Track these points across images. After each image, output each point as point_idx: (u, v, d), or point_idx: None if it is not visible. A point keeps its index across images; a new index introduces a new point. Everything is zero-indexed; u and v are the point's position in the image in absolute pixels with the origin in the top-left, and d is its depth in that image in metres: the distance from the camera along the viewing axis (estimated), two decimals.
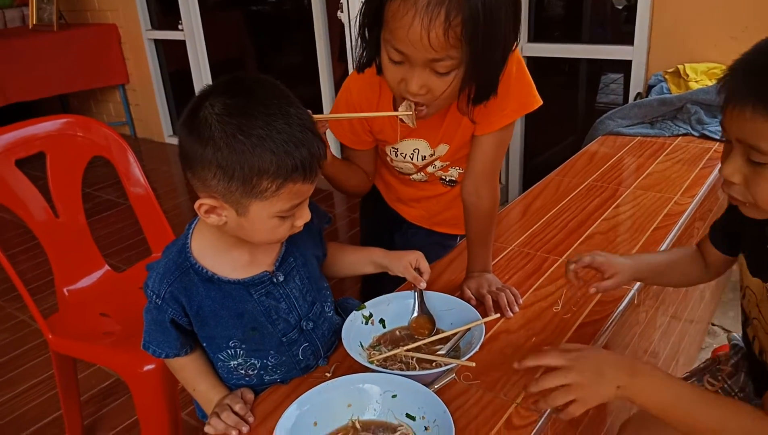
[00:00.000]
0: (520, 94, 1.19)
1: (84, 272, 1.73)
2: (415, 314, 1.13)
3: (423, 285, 1.09)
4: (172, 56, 4.46)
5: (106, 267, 1.78)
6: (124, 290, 1.74)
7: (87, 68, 4.36)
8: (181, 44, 4.21)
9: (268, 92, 0.88)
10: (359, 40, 1.09)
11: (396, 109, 1.20)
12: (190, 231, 1.00)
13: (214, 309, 0.99)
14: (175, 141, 4.64)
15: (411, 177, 1.39)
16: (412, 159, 1.31)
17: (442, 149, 1.29)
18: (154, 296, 0.97)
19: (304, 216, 0.95)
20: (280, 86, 0.91)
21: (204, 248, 0.99)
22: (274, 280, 1.01)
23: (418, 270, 1.10)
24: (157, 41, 4.45)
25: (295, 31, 4.00)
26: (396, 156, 1.32)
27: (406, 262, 1.10)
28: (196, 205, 0.91)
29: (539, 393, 0.84)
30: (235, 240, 0.97)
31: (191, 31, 4.14)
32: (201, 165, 0.87)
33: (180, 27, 4.17)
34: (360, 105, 1.24)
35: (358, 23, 1.07)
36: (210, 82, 3.99)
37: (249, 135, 0.84)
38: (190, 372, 1.05)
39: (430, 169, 1.35)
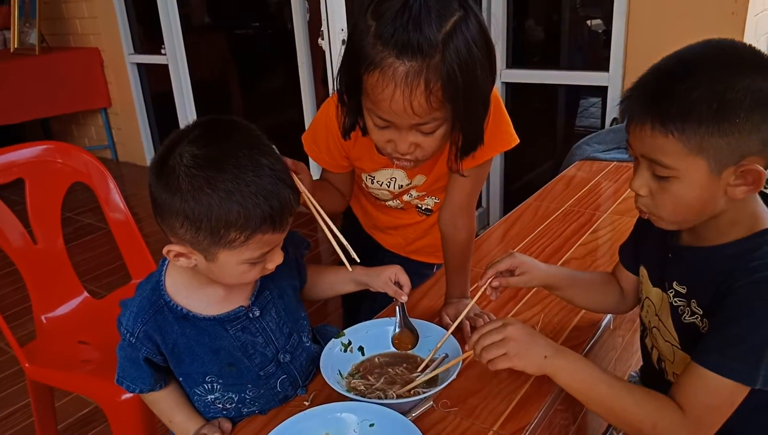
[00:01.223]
0: (498, 133, 1.19)
1: (62, 299, 1.72)
2: (398, 329, 1.14)
3: (404, 299, 1.09)
4: (155, 80, 4.47)
5: (85, 294, 1.77)
6: (103, 317, 1.72)
7: (69, 92, 4.35)
8: (164, 68, 4.22)
9: (240, 141, 0.87)
10: (339, 105, 1.10)
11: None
12: (164, 268, 1.00)
13: (190, 346, 0.98)
14: None
15: (387, 203, 1.40)
16: (388, 187, 1.32)
17: (419, 180, 1.30)
18: (127, 334, 0.97)
19: (276, 260, 0.95)
20: (255, 132, 0.90)
21: (178, 285, 0.98)
22: (250, 314, 1.01)
23: (398, 284, 1.10)
24: (139, 65, 4.46)
25: (278, 55, 4.03)
26: (372, 183, 1.33)
27: (386, 276, 1.10)
28: (164, 251, 0.90)
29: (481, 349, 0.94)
30: (209, 277, 0.96)
31: (174, 55, 4.15)
32: (169, 213, 0.86)
33: (163, 51, 4.19)
34: (338, 134, 1.22)
35: (337, 90, 1.08)
36: (193, 106, 3.95)
37: (216, 188, 0.83)
38: (166, 405, 1.05)
39: (405, 197, 1.36)
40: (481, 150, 1.14)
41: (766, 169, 0.81)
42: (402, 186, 1.32)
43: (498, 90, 1.21)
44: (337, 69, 1.06)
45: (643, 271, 1.05)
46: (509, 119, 1.23)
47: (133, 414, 1.42)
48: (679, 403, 0.85)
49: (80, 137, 4.98)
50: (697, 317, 0.90)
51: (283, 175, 0.88)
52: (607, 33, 2.61)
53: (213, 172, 0.83)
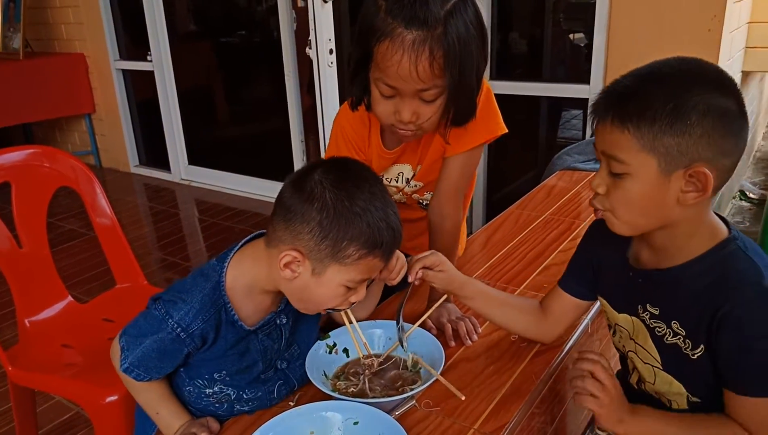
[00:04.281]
0: (486, 120, 1.30)
1: (46, 303, 1.72)
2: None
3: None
4: (140, 86, 4.47)
5: (69, 298, 1.77)
6: (87, 321, 1.73)
7: (53, 97, 4.34)
8: (150, 74, 4.23)
9: (370, 176, 1.01)
10: (350, 82, 1.21)
11: (382, 135, 1.34)
12: (224, 269, 1.01)
13: (224, 349, 1.02)
14: (141, 171, 4.63)
15: (393, 198, 1.47)
16: (396, 182, 1.42)
17: (418, 168, 1.40)
18: (178, 329, 0.97)
19: (360, 294, 1.02)
20: (378, 177, 1.04)
21: (236, 288, 1.01)
22: (278, 321, 1.07)
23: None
24: (125, 71, 4.46)
25: (263, 63, 4.06)
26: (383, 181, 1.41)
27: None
28: (281, 255, 0.95)
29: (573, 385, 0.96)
30: (266, 288, 1.02)
31: (160, 61, 4.16)
32: (301, 220, 0.94)
33: (149, 57, 4.20)
34: (355, 140, 1.35)
35: (348, 68, 1.19)
36: (178, 113, 3.97)
37: (354, 204, 0.93)
38: (156, 395, 1.06)
39: (407, 189, 1.45)
40: (471, 135, 1.25)
41: (715, 181, 0.83)
42: (408, 179, 1.41)
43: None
44: (349, 50, 1.18)
45: (602, 301, 1.08)
46: (498, 111, 1.32)
47: (117, 416, 1.42)
48: (747, 430, 0.88)
49: (63, 143, 4.96)
50: (680, 338, 0.92)
51: (398, 214, 1.00)
52: (589, 47, 2.66)
53: (353, 189, 0.95)
